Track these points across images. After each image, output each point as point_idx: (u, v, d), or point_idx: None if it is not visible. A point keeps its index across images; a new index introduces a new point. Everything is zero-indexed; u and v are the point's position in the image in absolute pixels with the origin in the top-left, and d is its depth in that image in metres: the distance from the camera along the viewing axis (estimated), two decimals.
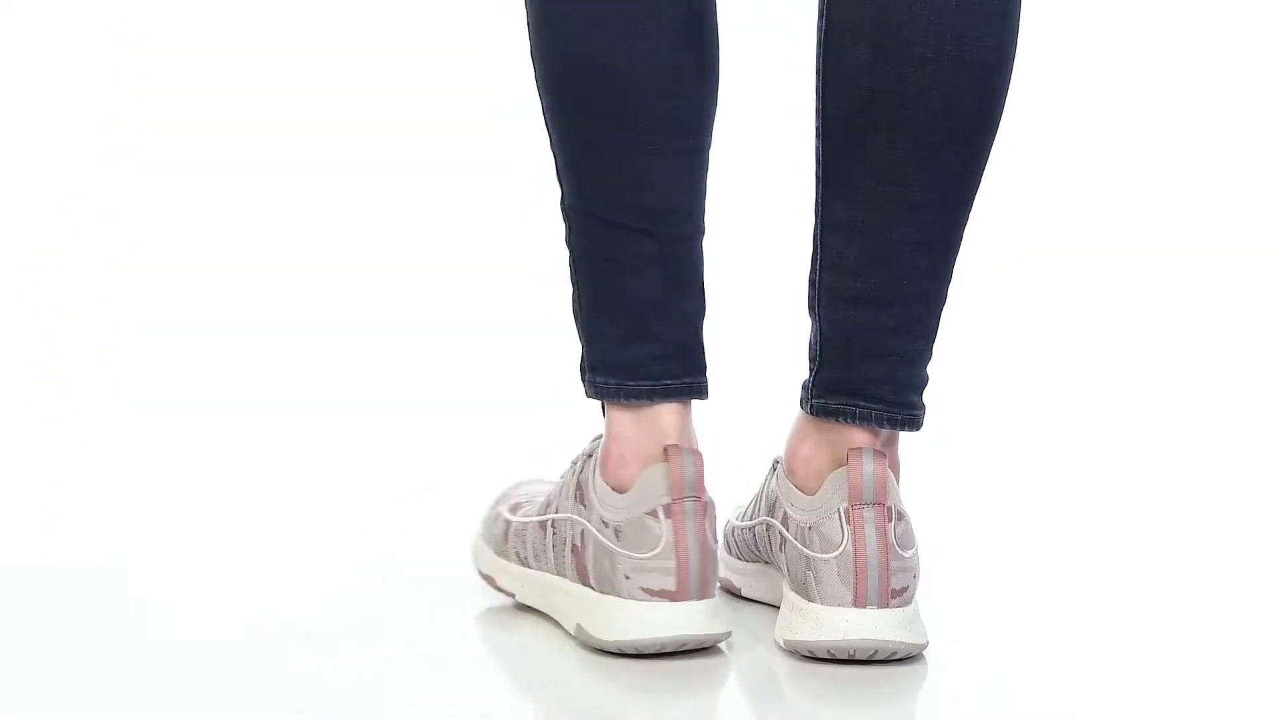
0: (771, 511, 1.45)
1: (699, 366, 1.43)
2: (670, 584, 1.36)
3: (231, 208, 2.73)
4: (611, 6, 1.37)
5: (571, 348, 1.46)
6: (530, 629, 1.47)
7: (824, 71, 1.39)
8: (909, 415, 1.40)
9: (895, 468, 1.44)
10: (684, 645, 1.37)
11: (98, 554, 1.69)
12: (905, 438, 1.44)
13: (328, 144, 2.73)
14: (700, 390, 1.43)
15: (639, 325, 1.41)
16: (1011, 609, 1.54)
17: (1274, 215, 2.72)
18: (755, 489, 1.53)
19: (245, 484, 1.95)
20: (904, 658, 1.36)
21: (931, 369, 1.43)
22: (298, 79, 2.76)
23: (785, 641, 1.37)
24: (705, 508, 1.38)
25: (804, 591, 1.37)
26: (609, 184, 1.40)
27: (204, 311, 2.60)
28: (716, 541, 1.39)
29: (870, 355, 1.40)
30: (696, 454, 1.38)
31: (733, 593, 1.54)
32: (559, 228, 1.49)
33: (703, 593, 1.37)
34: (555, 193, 1.46)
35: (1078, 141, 2.77)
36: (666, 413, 1.41)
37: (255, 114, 2.76)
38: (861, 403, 1.40)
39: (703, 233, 1.43)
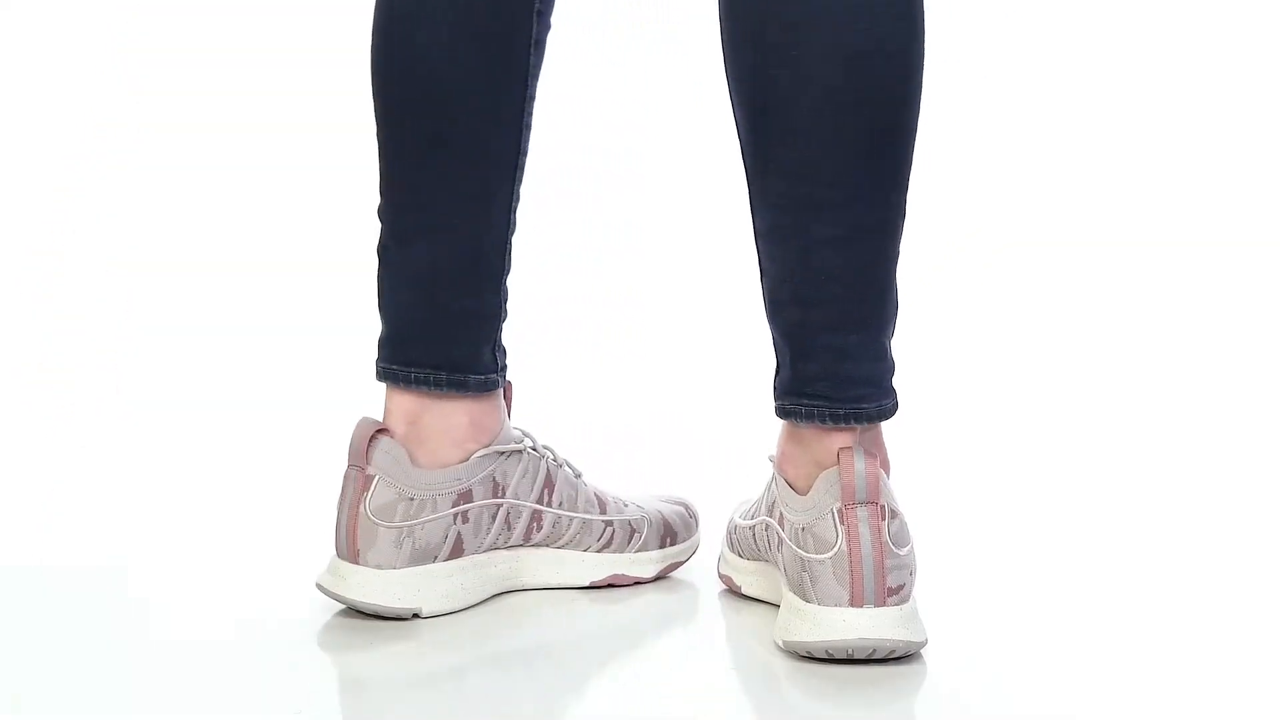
0: (771, 511, 1.46)
1: (408, 358, 1.50)
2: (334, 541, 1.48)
3: (232, 208, 2.73)
4: (410, 7, 1.46)
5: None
6: (532, 628, 1.47)
7: (727, 84, 1.40)
8: (853, 410, 1.40)
9: (885, 465, 1.44)
10: (338, 599, 1.46)
11: (98, 554, 1.69)
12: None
13: (328, 144, 2.73)
14: (397, 378, 1.49)
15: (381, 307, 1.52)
16: (1011, 608, 1.54)
17: (1254, 206, 2.71)
18: (761, 488, 1.54)
19: (245, 484, 1.95)
20: (903, 656, 1.36)
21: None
22: (298, 79, 2.76)
23: (784, 642, 1.37)
24: (366, 481, 1.46)
25: (801, 592, 1.37)
26: (381, 173, 1.49)
27: (204, 311, 2.60)
28: (396, 523, 1.46)
29: (805, 353, 1.41)
30: (367, 423, 1.47)
31: (734, 590, 1.54)
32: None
33: (352, 557, 1.46)
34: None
35: (1059, 132, 2.76)
36: (390, 392, 1.50)
37: (255, 114, 2.76)
38: (806, 401, 1.41)
39: (457, 236, 1.48)
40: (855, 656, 1.35)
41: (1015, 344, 2.53)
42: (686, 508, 1.62)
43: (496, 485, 1.51)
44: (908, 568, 1.36)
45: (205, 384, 2.40)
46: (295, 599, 1.51)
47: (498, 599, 1.52)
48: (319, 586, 1.47)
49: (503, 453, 1.51)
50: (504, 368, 1.53)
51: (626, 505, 1.59)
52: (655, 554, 1.58)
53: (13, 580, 1.61)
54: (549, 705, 1.33)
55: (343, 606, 1.48)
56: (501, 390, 1.53)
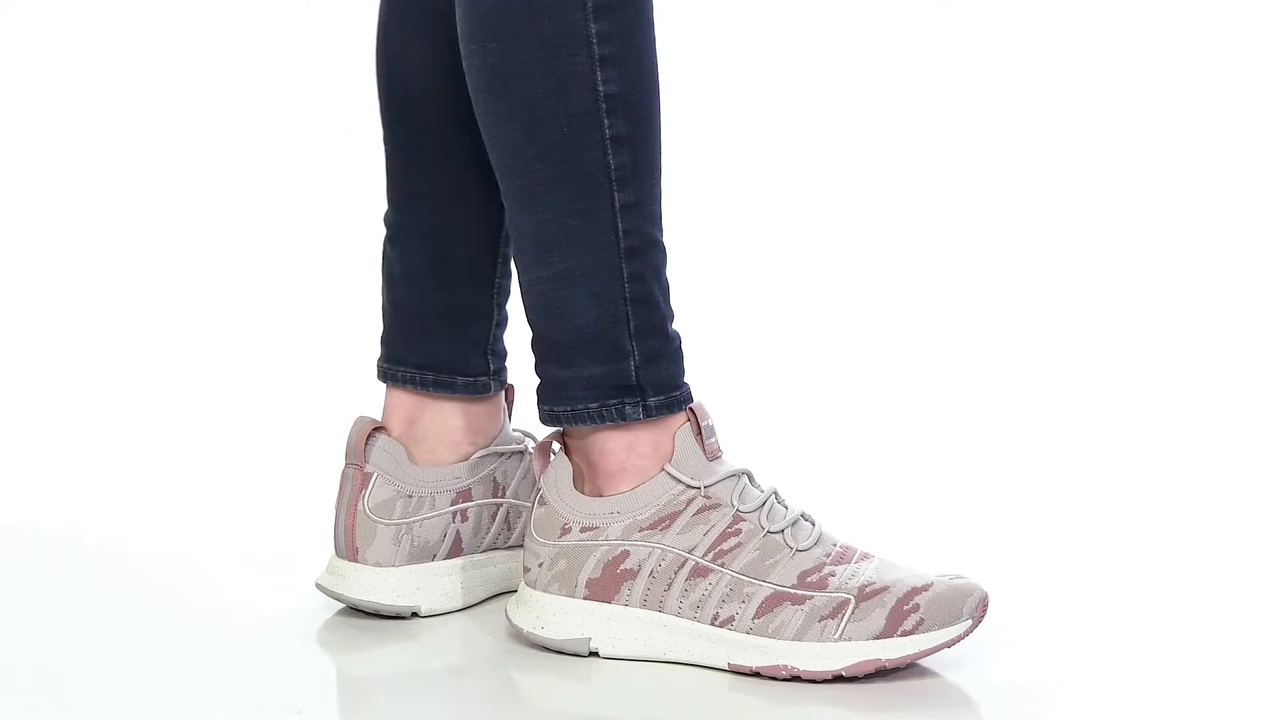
0: None
1: (398, 356, 1.51)
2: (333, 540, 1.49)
3: (232, 208, 2.73)
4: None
5: None
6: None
7: None
8: (544, 411, 1.41)
9: (584, 455, 1.41)
10: (337, 598, 1.47)
11: (97, 554, 1.69)
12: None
13: (329, 143, 2.74)
14: (389, 377, 1.51)
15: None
16: (1011, 607, 1.54)
17: (1192, 202, 2.71)
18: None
19: (246, 484, 1.95)
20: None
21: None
22: (299, 79, 2.76)
23: None
24: (364, 479, 1.46)
25: None
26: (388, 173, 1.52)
27: (204, 311, 2.60)
28: (395, 521, 1.47)
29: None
30: (364, 421, 1.47)
31: None
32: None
33: (351, 555, 1.47)
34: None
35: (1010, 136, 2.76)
36: (389, 391, 1.52)
37: (256, 114, 2.77)
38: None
39: (417, 234, 1.50)
40: None
41: (972, 346, 2.51)
42: None
43: (497, 485, 1.51)
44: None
45: (205, 384, 2.40)
46: (295, 599, 1.51)
47: (498, 599, 1.52)
48: (318, 586, 1.48)
49: (503, 453, 1.52)
50: (498, 372, 1.53)
51: None
52: None
53: (12, 580, 1.61)
54: (549, 705, 1.33)
55: (342, 605, 1.48)
56: (500, 394, 1.53)
